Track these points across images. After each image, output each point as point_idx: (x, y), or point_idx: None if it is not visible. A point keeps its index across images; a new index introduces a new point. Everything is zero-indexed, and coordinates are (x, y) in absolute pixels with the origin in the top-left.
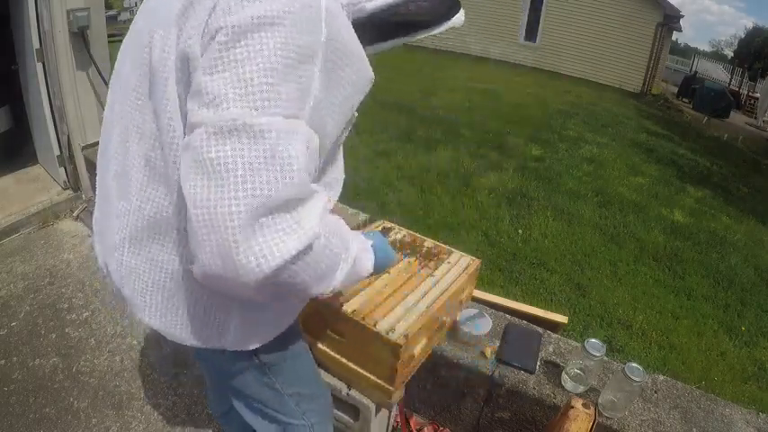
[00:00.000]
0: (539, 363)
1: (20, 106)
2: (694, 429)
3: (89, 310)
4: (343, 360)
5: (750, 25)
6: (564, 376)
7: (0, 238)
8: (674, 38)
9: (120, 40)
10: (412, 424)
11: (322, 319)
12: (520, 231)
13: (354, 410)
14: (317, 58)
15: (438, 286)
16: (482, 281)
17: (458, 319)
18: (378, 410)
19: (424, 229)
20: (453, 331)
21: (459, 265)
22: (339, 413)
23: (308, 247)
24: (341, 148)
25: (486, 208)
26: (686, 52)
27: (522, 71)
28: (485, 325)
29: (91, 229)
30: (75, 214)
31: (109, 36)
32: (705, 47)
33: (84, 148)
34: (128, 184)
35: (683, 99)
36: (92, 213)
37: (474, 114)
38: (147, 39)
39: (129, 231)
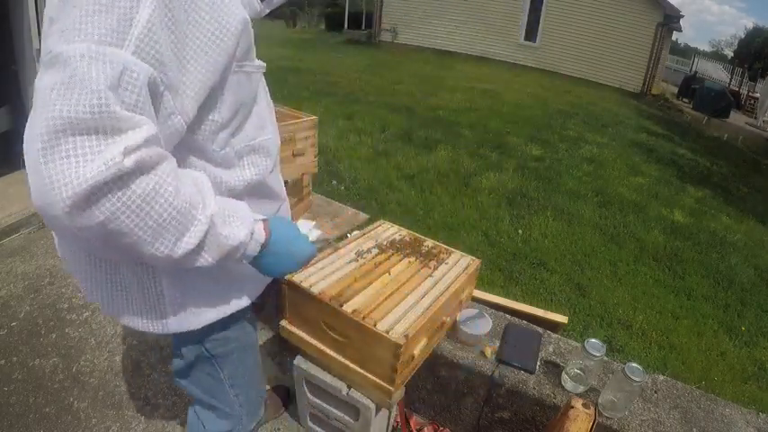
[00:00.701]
0: (539, 363)
1: (19, 107)
2: (694, 429)
3: (89, 309)
4: (344, 360)
5: (750, 25)
6: (564, 376)
7: (0, 238)
8: (674, 38)
9: None
10: (412, 424)
11: (322, 318)
12: (520, 231)
13: (354, 410)
14: None
15: (438, 286)
16: (482, 281)
17: (458, 319)
18: (378, 410)
19: (424, 229)
20: (453, 331)
21: (459, 265)
22: (339, 413)
23: (121, 182)
24: (265, 108)
25: (486, 208)
26: (686, 52)
27: (522, 71)
28: (485, 325)
29: None
30: None
31: None
32: (705, 47)
33: None
34: None
35: (683, 99)
36: None
37: (474, 114)
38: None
39: None
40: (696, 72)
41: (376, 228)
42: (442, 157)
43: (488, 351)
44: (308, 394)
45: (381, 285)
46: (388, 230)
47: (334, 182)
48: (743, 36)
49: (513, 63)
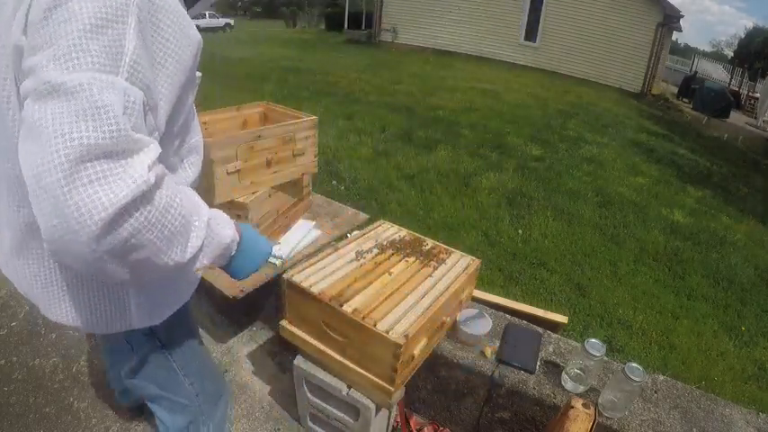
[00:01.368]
0: (539, 363)
1: None
2: (694, 429)
3: None
4: (344, 360)
5: (750, 25)
6: (564, 376)
7: None
8: (674, 38)
9: None
10: (412, 424)
11: (322, 318)
12: (520, 231)
13: (354, 410)
14: (128, 17)
15: (438, 286)
16: (482, 281)
17: (458, 319)
18: (378, 410)
19: (424, 229)
20: (453, 331)
21: (459, 265)
22: (339, 413)
23: (145, 199)
24: (194, 111)
25: (486, 208)
26: (686, 52)
27: (522, 71)
28: (485, 325)
29: None
30: None
31: None
32: (705, 47)
33: None
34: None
35: (683, 99)
36: None
37: (474, 114)
38: None
39: (14, 235)
40: (696, 72)
41: (376, 228)
42: (442, 157)
43: (488, 351)
44: (308, 394)
45: (381, 285)
46: (388, 230)
47: (334, 182)
48: (743, 36)
49: (513, 63)
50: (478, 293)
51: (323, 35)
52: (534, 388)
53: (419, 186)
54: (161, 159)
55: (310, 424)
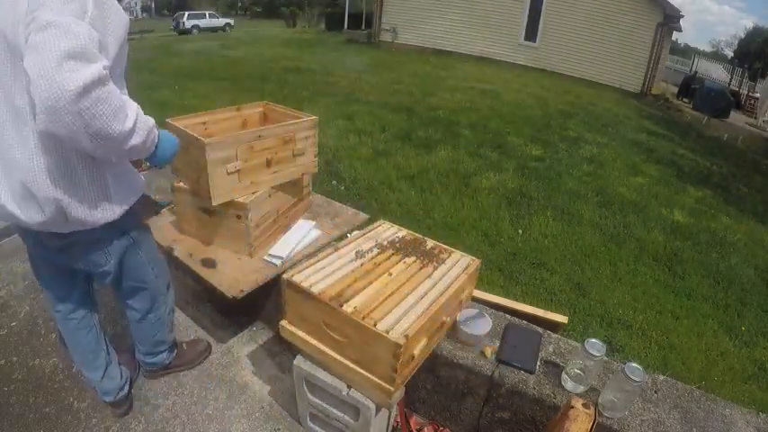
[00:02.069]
0: (539, 363)
1: None
2: (694, 429)
3: None
4: (344, 360)
5: (750, 25)
6: (564, 376)
7: (0, 239)
8: (674, 38)
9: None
10: (412, 424)
11: (322, 318)
12: (520, 231)
13: (354, 410)
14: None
15: (438, 286)
16: (482, 281)
17: (458, 319)
18: (378, 410)
19: (424, 229)
20: (453, 331)
21: (459, 265)
22: (339, 413)
23: (100, 82)
24: (125, 83)
25: (486, 208)
26: (686, 52)
27: (522, 71)
28: (485, 325)
29: None
30: None
31: None
32: (705, 47)
33: None
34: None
35: (683, 99)
36: None
37: (474, 114)
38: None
39: (26, 164)
40: (696, 72)
41: (376, 228)
42: (442, 157)
43: (488, 351)
44: (308, 394)
45: (381, 285)
46: (388, 230)
47: (334, 182)
48: (743, 36)
49: (513, 63)
50: (478, 293)
51: (323, 35)
52: (534, 388)
53: (419, 186)
54: None
55: (310, 424)
